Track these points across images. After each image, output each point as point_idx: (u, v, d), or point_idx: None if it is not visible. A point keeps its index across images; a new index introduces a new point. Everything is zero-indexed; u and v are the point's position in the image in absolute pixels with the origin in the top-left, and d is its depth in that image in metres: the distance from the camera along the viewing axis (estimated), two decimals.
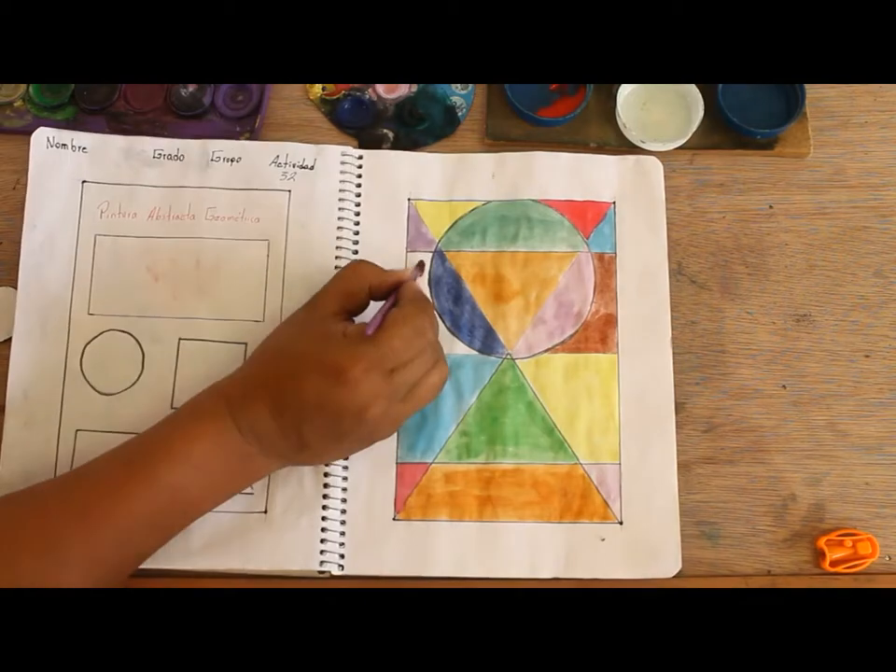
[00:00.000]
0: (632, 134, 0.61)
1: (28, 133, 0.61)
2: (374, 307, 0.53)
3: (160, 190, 0.60)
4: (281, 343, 0.52)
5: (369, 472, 0.55)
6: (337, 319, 0.52)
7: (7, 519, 0.48)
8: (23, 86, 0.63)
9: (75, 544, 0.47)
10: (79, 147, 0.61)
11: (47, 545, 0.47)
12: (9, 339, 0.58)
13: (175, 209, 0.60)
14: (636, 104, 0.63)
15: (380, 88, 0.64)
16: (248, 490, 0.54)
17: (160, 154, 0.61)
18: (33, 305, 0.58)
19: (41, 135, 0.61)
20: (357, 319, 0.54)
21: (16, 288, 0.58)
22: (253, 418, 0.49)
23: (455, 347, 0.58)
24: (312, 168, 0.60)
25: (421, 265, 0.57)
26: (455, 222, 0.60)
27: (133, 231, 0.59)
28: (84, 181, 0.60)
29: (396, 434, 0.56)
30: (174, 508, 0.49)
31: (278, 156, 0.61)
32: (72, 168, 0.60)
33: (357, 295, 0.53)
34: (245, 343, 0.57)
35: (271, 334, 0.53)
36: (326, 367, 0.48)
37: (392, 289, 0.53)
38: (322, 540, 0.54)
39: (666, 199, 0.61)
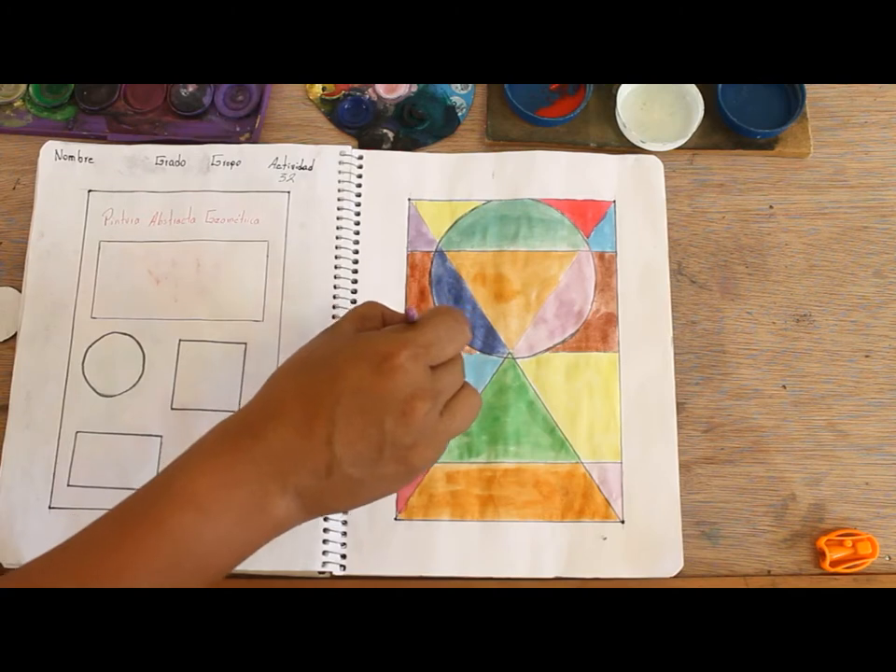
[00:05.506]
0: (632, 134, 0.61)
1: (28, 133, 0.62)
2: None
3: (161, 196, 0.60)
4: (308, 353, 0.48)
5: None
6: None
7: None
8: (23, 86, 0.64)
9: None
10: (86, 158, 0.61)
11: None
12: (9, 339, 0.58)
13: (176, 213, 0.60)
14: (636, 104, 0.63)
15: (380, 88, 0.64)
16: None
17: (161, 160, 0.61)
18: (38, 310, 0.58)
19: (49, 148, 0.61)
20: None
21: (16, 288, 0.59)
22: (274, 438, 0.44)
23: None
24: (310, 169, 0.61)
25: None
26: (456, 222, 0.60)
27: (135, 236, 0.59)
28: (90, 190, 0.61)
29: None
30: (183, 563, 0.43)
31: (277, 158, 0.61)
32: (78, 178, 0.61)
33: (371, 319, 0.49)
34: (245, 343, 0.57)
35: (286, 360, 0.48)
36: (368, 354, 0.44)
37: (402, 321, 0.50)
38: (324, 541, 0.54)
39: (666, 199, 0.61)
